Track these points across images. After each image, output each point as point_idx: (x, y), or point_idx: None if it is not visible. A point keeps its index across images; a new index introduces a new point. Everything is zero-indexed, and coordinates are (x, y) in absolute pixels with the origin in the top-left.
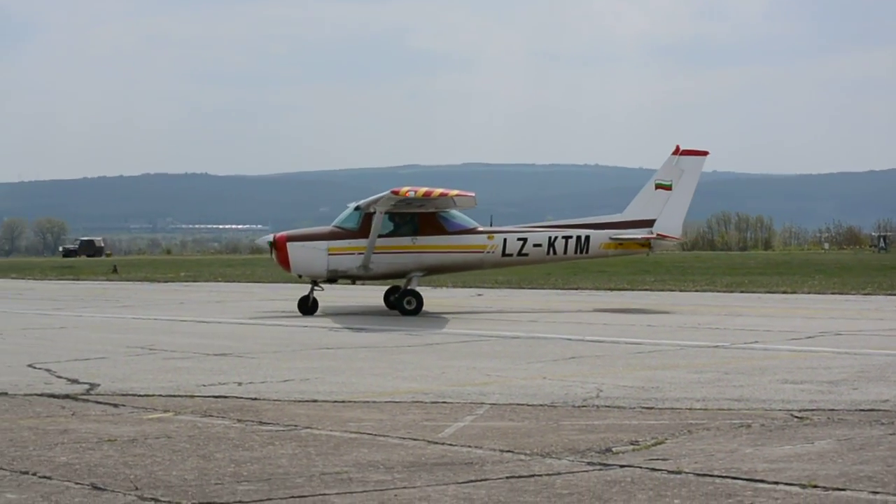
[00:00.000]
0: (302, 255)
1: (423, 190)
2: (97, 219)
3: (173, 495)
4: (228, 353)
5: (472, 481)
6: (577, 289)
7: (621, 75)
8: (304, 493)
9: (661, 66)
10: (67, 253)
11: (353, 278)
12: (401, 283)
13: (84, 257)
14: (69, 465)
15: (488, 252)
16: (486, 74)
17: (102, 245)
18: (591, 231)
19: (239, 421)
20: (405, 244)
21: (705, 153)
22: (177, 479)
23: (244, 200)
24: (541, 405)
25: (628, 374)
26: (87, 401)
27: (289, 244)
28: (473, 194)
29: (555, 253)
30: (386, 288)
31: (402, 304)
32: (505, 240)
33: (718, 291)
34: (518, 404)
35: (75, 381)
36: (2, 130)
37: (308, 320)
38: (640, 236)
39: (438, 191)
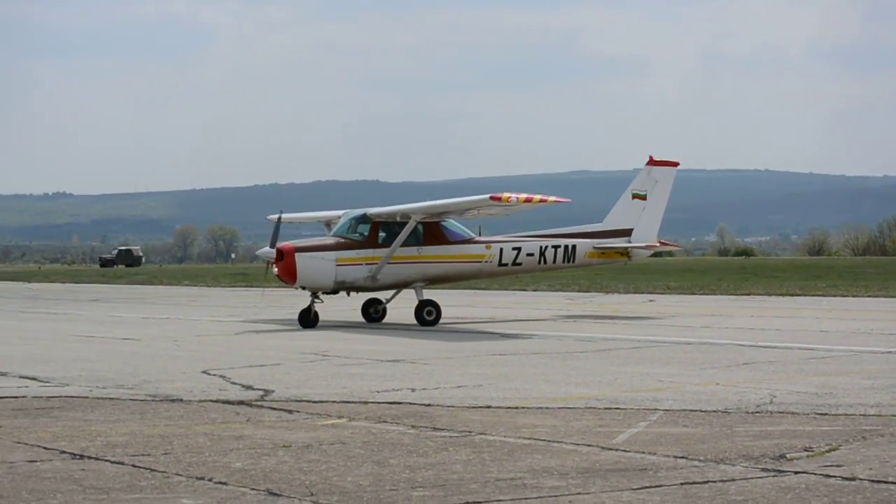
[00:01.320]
0: (310, 266)
1: (523, 196)
2: (269, 225)
3: (348, 501)
4: (401, 359)
5: (646, 487)
6: (748, 294)
7: (789, 77)
8: (478, 500)
9: (830, 69)
10: (105, 262)
11: (359, 290)
12: (381, 294)
13: (123, 266)
14: (244, 470)
15: (486, 262)
16: (656, 78)
17: (141, 254)
18: (577, 240)
19: (413, 427)
20: (411, 254)
21: (676, 163)
22: (352, 484)
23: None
24: (714, 411)
25: (802, 380)
26: (262, 407)
27: (297, 255)
28: (570, 200)
29: (545, 262)
30: (364, 300)
31: (423, 314)
32: (501, 249)
33: (891, 297)
34: (691, 410)
35: (250, 388)
36: (174, 139)
37: (475, 326)
38: (619, 245)
39: (538, 197)
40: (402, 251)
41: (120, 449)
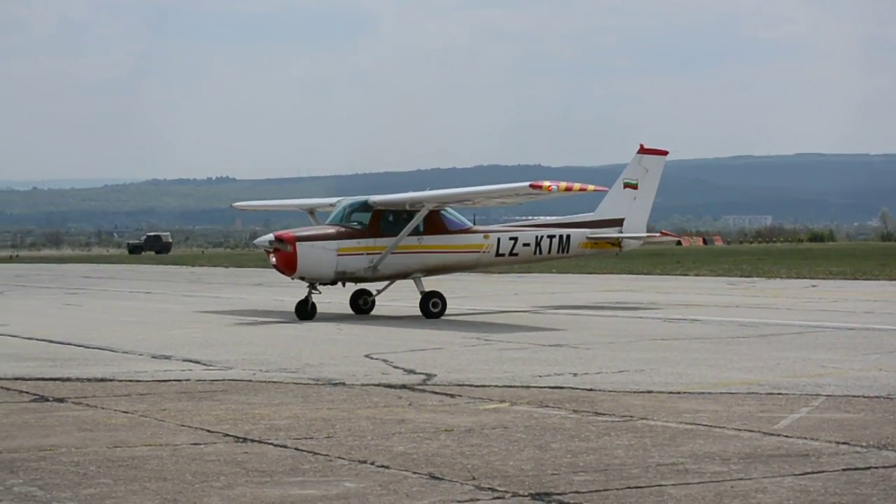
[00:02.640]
0: (311, 255)
1: (563, 184)
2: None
3: (510, 485)
4: (563, 343)
5: (808, 473)
6: None
7: None
8: (640, 485)
9: None
10: (133, 249)
11: (359, 280)
12: (372, 286)
13: (153, 253)
14: (407, 454)
15: (484, 252)
16: (817, 63)
17: (170, 241)
18: (572, 230)
19: (574, 411)
20: (411, 244)
21: (665, 152)
22: (513, 469)
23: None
24: (877, 397)
25: None
26: (424, 391)
27: (298, 244)
28: (607, 189)
29: (541, 252)
30: (352, 292)
31: (428, 306)
32: (499, 239)
33: None
34: (854, 396)
35: (412, 372)
36: (337, 123)
37: (636, 311)
38: (612, 235)
39: (578, 185)
40: (403, 241)
41: (283, 432)
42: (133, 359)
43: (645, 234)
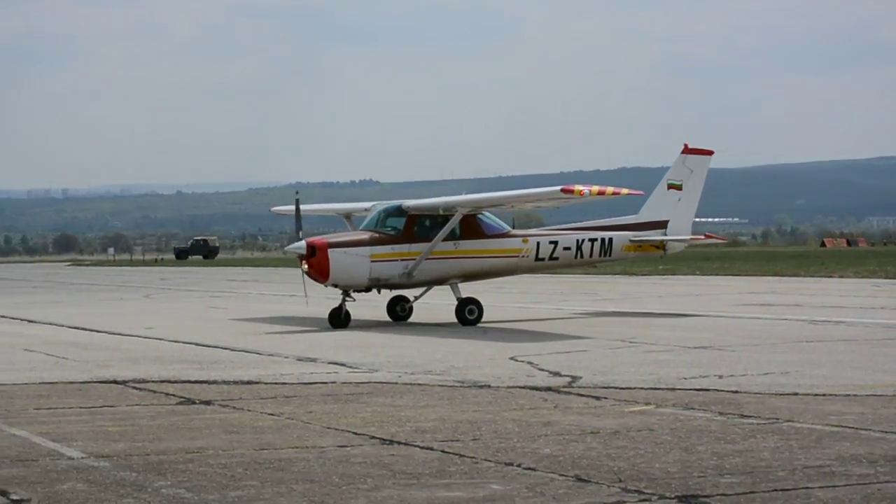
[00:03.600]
0: (344, 262)
1: (596, 188)
2: (574, 213)
3: (656, 487)
4: (708, 345)
5: None
6: None
7: None
8: (786, 487)
9: None
10: (179, 253)
11: (393, 287)
12: (407, 292)
13: (201, 258)
14: (553, 456)
15: (523, 256)
16: None
17: (217, 245)
18: (614, 233)
19: (720, 414)
20: (448, 249)
21: (711, 152)
22: (659, 471)
23: (721, 193)
24: None
25: None
26: (570, 393)
27: (330, 251)
28: (642, 193)
29: (581, 256)
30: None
31: (464, 313)
32: (538, 243)
33: None
34: None
35: (557, 374)
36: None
37: (780, 311)
38: (656, 238)
39: (611, 189)
40: (439, 246)
41: (429, 434)
42: (279, 361)
43: (689, 237)
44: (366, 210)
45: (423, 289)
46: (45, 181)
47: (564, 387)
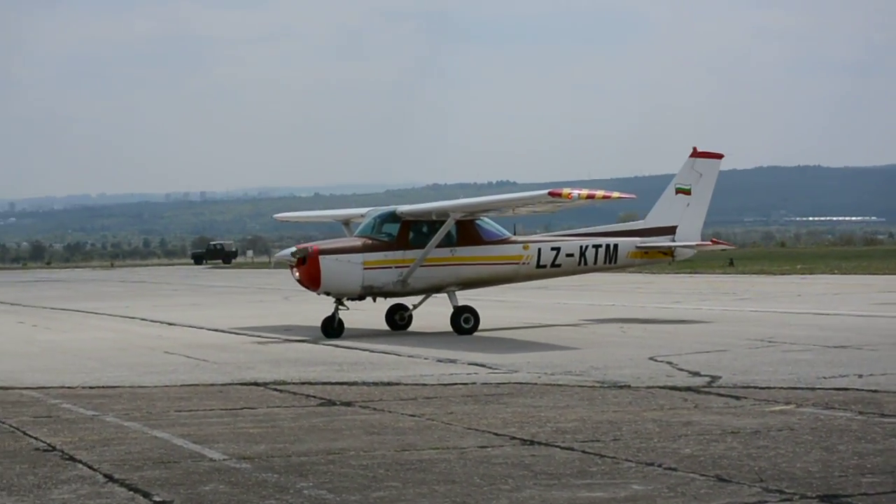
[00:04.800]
0: (335, 269)
1: (585, 192)
2: (711, 212)
3: (798, 487)
4: (848, 345)
5: None
6: None
7: None
8: None
9: None
10: (196, 257)
11: (387, 295)
12: (405, 301)
13: (221, 262)
14: (693, 456)
15: (524, 263)
16: None
17: (234, 250)
18: (619, 239)
19: (861, 413)
20: (443, 256)
21: (720, 156)
22: (800, 471)
23: (857, 192)
24: None
25: None
26: (709, 393)
27: (321, 258)
28: (635, 196)
29: (585, 263)
30: (388, 307)
31: (460, 322)
32: (539, 249)
33: None
34: None
35: (697, 374)
36: (614, 126)
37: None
38: (663, 244)
39: (601, 192)
40: (435, 253)
41: (569, 435)
42: (419, 362)
43: (698, 243)
44: (362, 216)
45: (422, 297)
46: (183, 185)
47: (704, 387)
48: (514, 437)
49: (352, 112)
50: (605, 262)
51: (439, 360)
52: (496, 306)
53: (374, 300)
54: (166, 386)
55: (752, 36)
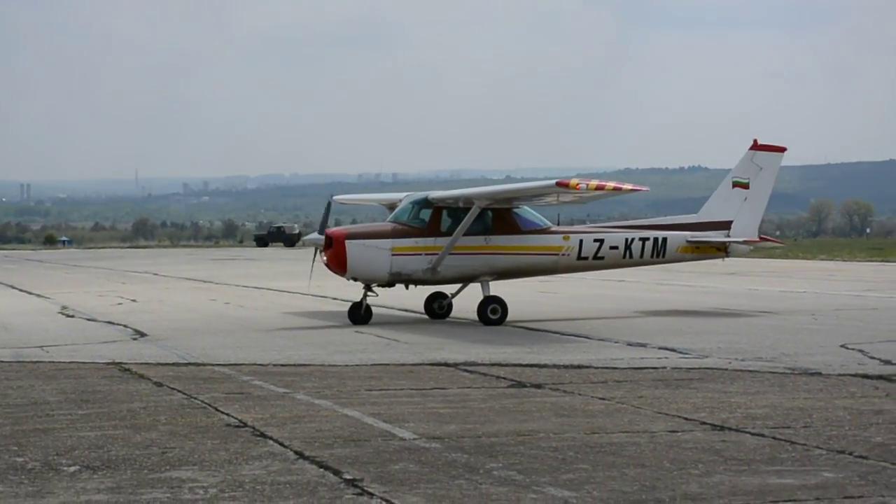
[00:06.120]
0: (362, 255)
1: (594, 183)
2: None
3: None
4: None
5: None
6: None
7: None
8: None
9: None
10: (258, 239)
11: (417, 283)
12: (445, 289)
13: (282, 245)
14: (884, 445)
15: (564, 254)
16: None
17: (295, 232)
18: (669, 233)
19: None
20: (477, 244)
21: (783, 149)
22: None
23: None
24: None
25: None
26: None
27: (348, 242)
28: (647, 189)
29: (631, 256)
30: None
31: (486, 313)
32: (581, 241)
33: None
34: None
35: (889, 363)
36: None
37: None
38: (717, 240)
39: (612, 184)
40: (468, 241)
41: (760, 421)
42: (609, 346)
43: (755, 239)
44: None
45: (459, 285)
46: (375, 165)
47: None
48: (704, 423)
49: (545, 94)
50: (652, 256)
51: (629, 344)
52: (685, 291)
53: (407, 287)
54: (357, 365)
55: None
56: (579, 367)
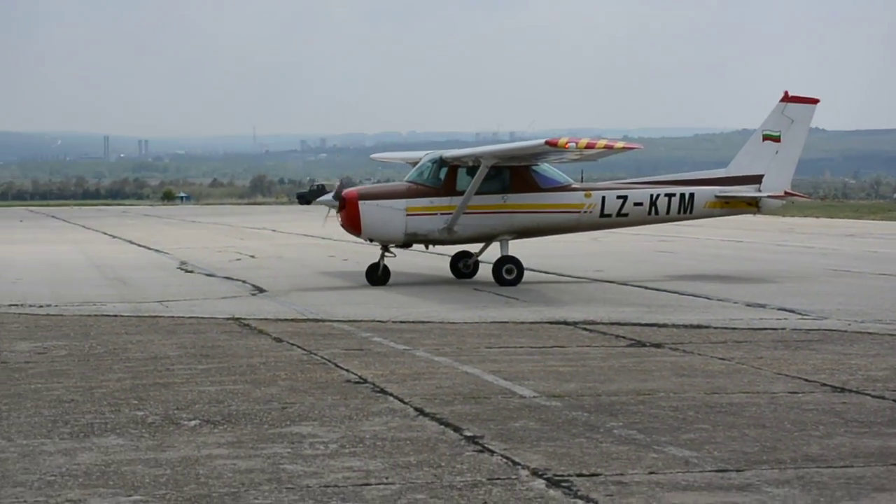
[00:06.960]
0: (376, 215)
1: (584, 141)
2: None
3: None
4: None
5: None
6: None
7: None
8: None
9: None
10: (301, 197)
11: (433, 242)
12: (468, 247)
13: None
14: None
15: (585, 212)
16: None
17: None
18: (696, 188)
19: None
20: (494, 203)
21: (816, 100)
22: None
23: None
24: None
25: None
26: None
27: (361, 203)
28: (641, 147)
29: (657, 213)
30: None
31: (501, 273)
32: (603, 198)
33: None
34: None
35: None
36: None
37: None
38: (747, 194)
39: (603, 142)
40: (484, 199)
41: (880, 383)
42: (728, 306)
43: (785, 193)
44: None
45: (483, 245)
46: (493, 124)
47: None
48: (824, 384)
49: (663, 55)
50: (679, 213)
51: (748, 305)
52: (803, 251)
53: (427, 247)
54: (476, 322)
55: None
56: (698, 326)
